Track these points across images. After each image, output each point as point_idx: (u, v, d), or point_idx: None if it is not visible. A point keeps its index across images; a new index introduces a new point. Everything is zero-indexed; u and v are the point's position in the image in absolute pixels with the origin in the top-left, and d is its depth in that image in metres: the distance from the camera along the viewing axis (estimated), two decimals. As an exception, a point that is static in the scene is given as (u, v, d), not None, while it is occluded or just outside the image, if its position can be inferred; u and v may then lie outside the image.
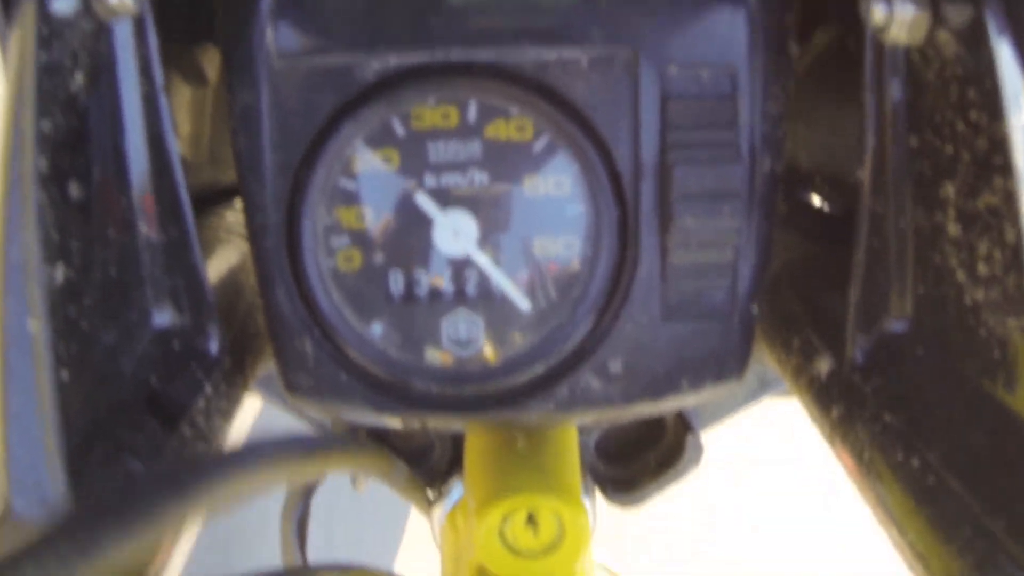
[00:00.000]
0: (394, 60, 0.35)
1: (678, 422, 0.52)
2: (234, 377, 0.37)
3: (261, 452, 0.24)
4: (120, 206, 0.33)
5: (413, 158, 0.36)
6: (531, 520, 0.39)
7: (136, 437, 0.30)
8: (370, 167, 0.36)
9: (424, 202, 0.36)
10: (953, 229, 0.29)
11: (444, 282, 0.37)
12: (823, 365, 0.36)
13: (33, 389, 0.25)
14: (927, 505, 0.28)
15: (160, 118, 0.33)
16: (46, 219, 0.27)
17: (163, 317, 0.35)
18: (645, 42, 0.35)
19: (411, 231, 0.36)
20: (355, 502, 1.34)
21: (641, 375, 0.38)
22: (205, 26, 0.40)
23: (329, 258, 0.36)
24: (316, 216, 0.36)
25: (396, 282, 0.37)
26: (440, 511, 0.50)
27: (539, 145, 0.36)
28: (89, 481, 0.27)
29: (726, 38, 0.35)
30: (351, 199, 0.36)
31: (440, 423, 0.41)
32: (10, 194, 0.26)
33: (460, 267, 0.37)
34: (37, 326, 0.26)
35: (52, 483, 0.25)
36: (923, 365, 0.32)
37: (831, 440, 0.35)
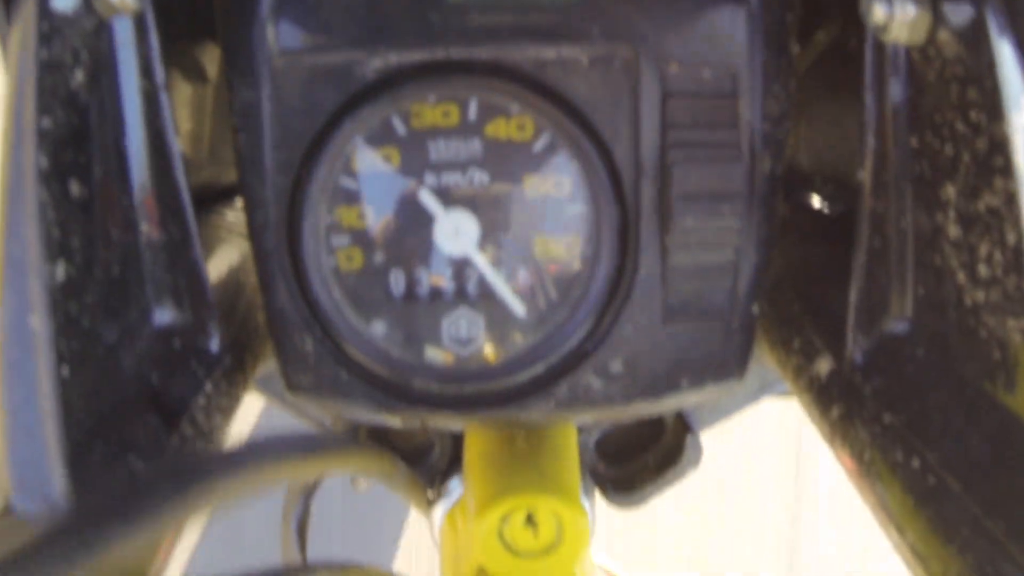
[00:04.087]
0: (394, 58, 0.35)
1: (678, 423, 0.52)
2: (234, 375, 0.37)
3: (261, 451, 0.24)
4: (121, 204, 0.33)
5: (414, 157, 0.36)
6: (530, 520, 0.39)
7: (137, 434, 0.30)
8: (370, 166, 0.36)
9: (428, 200, 0.36)
10: (953, 230, 0.29)
11: (445, 281, 0.37)
12: (823, 365, 0.36)
13: (34, 385, 0.25)
14: (927, 506, 0.28)
15: (161, 116, 0.33)
16: (47, 216, 0.27)
17: (164, 315, 0.35)
18: (645, 41, 0.35)
19: (412, 230, 0.36)
20: (354, 504, 1.34)
21: (641, 375, 0.38)
22: (206, 24, 0.40)
23: (330, 257, 0.36)
24: (317, 215, 0.36)
25: (397, 281, 0.37)
26: (439, 511, 0.50)
27: (539, 144, 0.36)
28: (90, 478, 0.26)
29: (727, 37, 0.35)
30: (352, 198, 0.36)
31: (440, 422, 0.41)
32: (11, 191, 0.26)
33: (461, 266, 0.37)
34: (38, 322, 0.25)
35: (54, 480, 0.25)
36: (923, 366, 0.32)
37: (831, 440, 0.35)
